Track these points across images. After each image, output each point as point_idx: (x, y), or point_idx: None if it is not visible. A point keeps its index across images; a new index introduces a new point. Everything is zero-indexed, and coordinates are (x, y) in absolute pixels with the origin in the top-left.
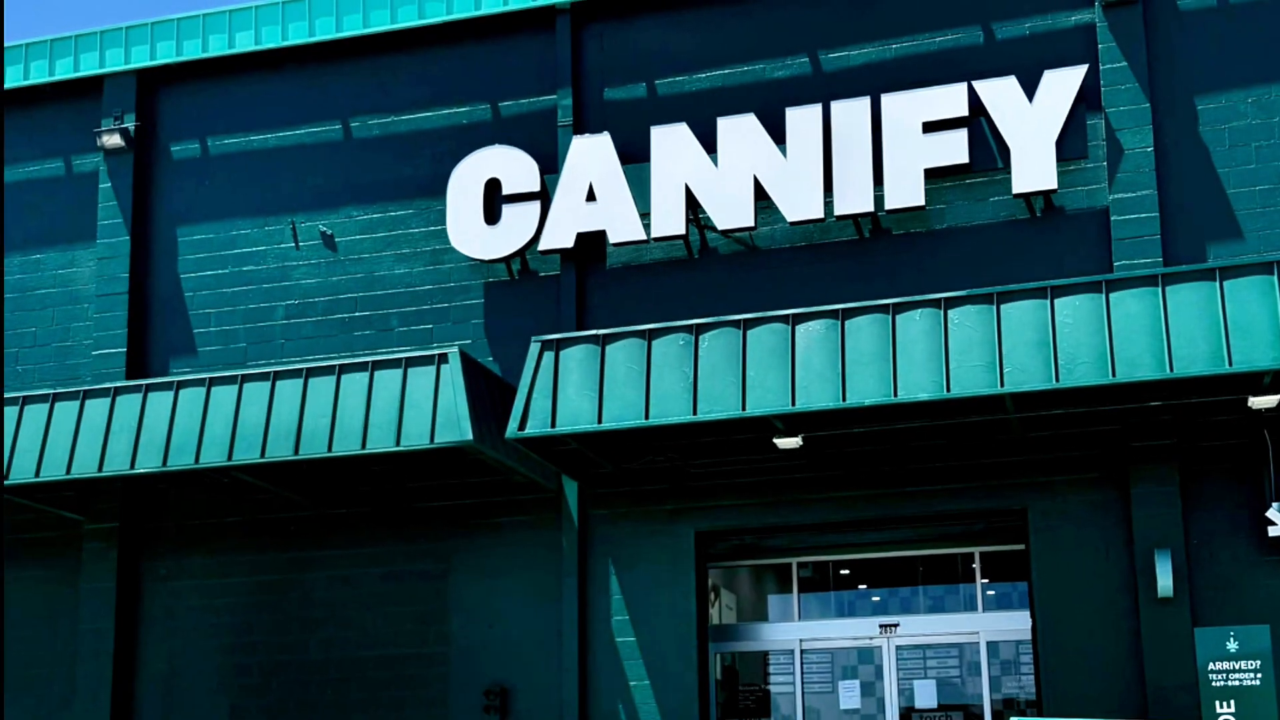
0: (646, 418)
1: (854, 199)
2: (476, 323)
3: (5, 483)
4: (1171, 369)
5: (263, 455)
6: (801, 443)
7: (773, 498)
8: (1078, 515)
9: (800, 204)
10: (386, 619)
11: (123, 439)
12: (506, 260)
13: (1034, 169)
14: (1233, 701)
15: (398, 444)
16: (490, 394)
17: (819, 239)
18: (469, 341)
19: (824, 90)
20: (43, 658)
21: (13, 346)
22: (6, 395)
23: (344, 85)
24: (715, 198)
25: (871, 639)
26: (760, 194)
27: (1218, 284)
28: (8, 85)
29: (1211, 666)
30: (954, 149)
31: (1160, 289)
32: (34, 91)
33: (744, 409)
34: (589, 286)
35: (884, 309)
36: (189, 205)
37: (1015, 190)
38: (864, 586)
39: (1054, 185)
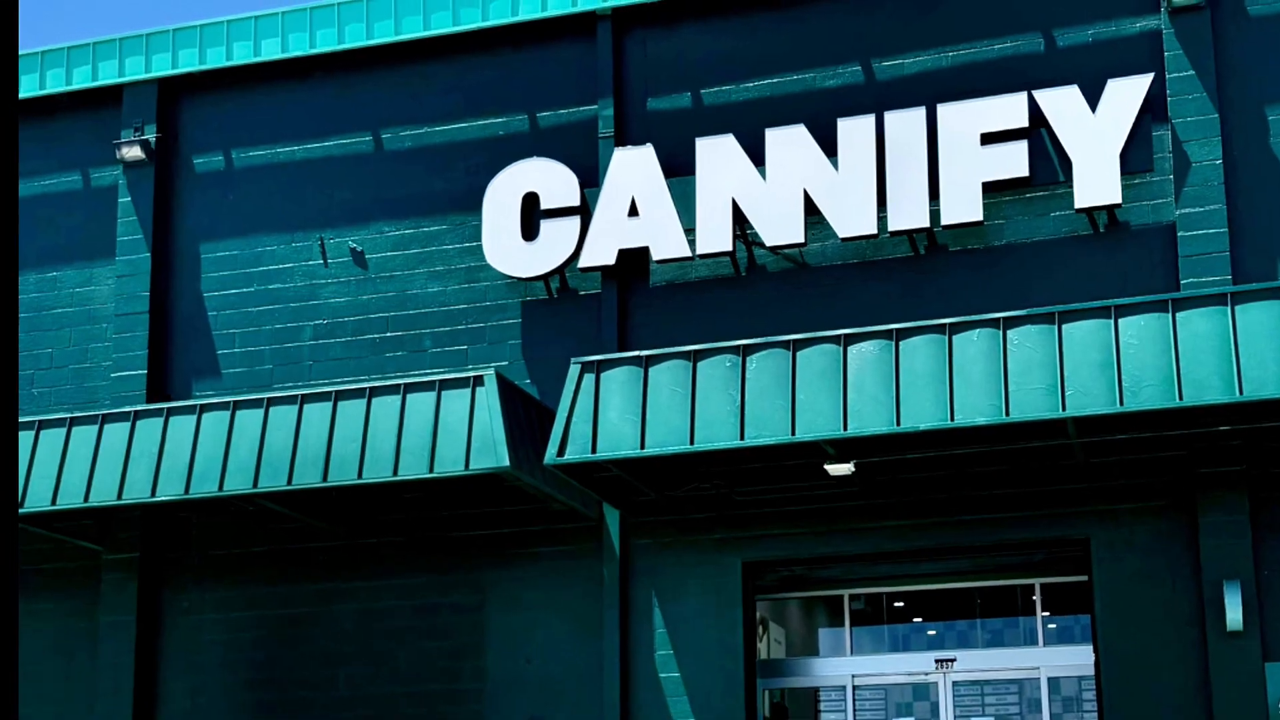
0: (691, 443)
1: (909, 214)
2: (513, 343)
3: (20, 511)
4: (1241, 392)
5: (289, 482)
6: (854, 469)
7: (824, 527)
8: (1143, 545)
9: (852, 219)
10: (419, 654)
11: (143, 465)
12: (545, 278)
13: (1097, 182)
14: None
15: (431, 470)
16: (528, 418)
17: (872, 256)
18: (506, 363)
19: (877, 100)
20: (60, 694)
21: (28, 368)
22: (22, 419)
23: (374, 95)
24: (763, 212)
25: (927, 674)
26: (810, 208)
27: None
28: (23, 95)
29: None
30: (1013, 161)
31: (1229, 308)
32: (50, 101)
33: (794, 434)
34: (631, 305)
35: (940, 329)
36: (212, 220)
37: (1077, 205)
38: (919, 619)
39: (1118, 200)
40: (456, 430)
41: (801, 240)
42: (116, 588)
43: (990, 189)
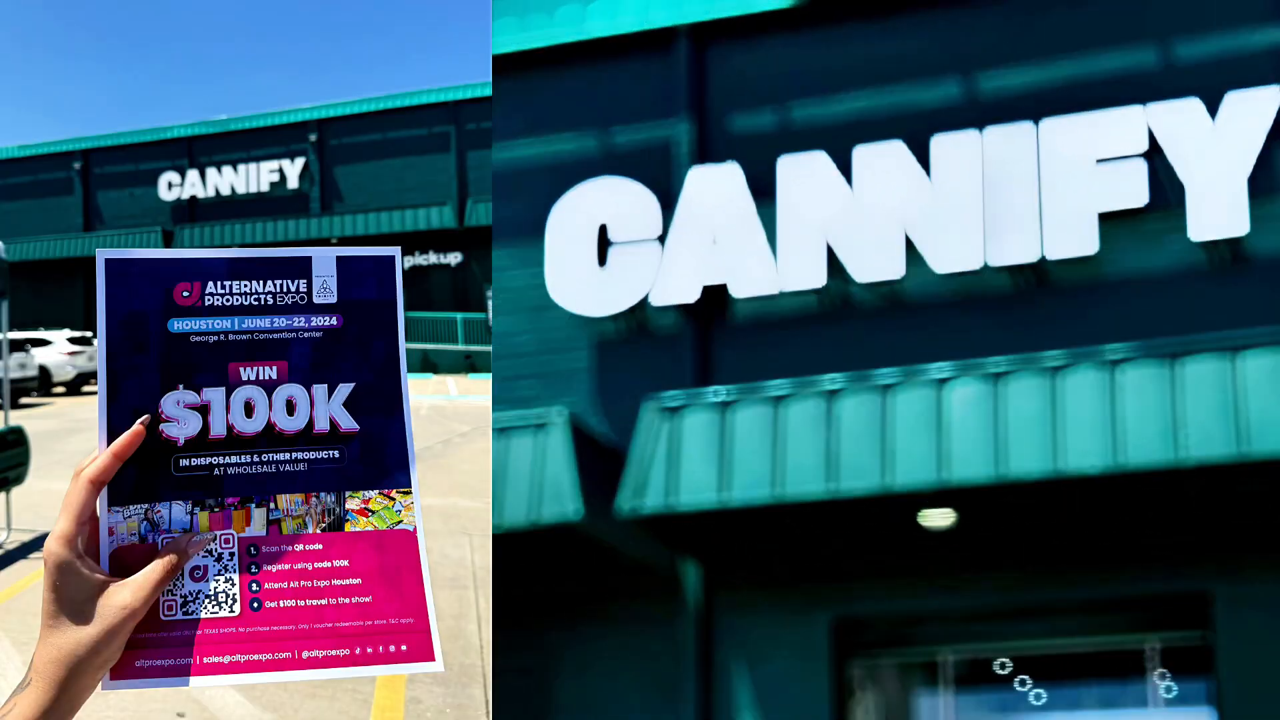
0: (777, 491)
1: (1013, 245)
2: (583, 384)
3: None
4: None
5: None
6: (953, 520)
7: (920, 582)
8: (1270, 600)
9: (952, 251)
10: None
11: None
12: (618, 314)
13: (1220, 209)
14: None
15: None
16: (600, 465)
17: (973, 290)
18: (575, 405)
19: (979, 117)
20: None
21: None
22: None
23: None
24: (855, 243)
25: None
26: (907, 239)
27: None
28: None
29: None
30: (1128, 186)
31: None
32: None
33: (887, 482)
34: (712, 343)
35: (1047, 369)
36: None
37: (1198, 234)
38: (1024, 683)
39: (1244, 228)
40: (522, 478)
41: (897, 274)
42: None
43: (1103, 217)
